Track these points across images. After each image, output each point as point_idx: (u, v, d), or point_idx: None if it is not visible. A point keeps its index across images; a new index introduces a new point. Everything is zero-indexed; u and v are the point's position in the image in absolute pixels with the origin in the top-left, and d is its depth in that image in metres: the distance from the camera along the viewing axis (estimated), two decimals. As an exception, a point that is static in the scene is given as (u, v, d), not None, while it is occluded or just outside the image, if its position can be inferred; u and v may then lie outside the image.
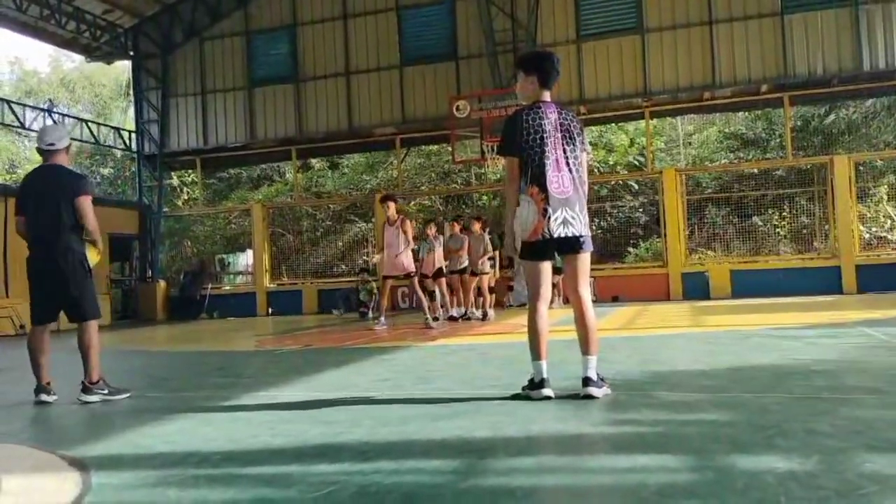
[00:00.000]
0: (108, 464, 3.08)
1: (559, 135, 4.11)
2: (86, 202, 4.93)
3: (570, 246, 4.09)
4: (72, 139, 5.31)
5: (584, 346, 4.04)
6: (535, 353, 4.04)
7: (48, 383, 4.91)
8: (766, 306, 11.90)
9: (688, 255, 17.25)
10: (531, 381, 4.07)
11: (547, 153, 4.06)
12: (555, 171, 4.07)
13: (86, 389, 4.85)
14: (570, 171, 4.10)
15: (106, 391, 4.89)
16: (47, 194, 4.93)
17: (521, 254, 4.16)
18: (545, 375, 4.01)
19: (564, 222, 4.04)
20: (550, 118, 4.12)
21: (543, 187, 4.04)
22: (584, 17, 17.35)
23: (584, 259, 4.15)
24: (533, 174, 4.06)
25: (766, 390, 4.13)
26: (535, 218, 4.05)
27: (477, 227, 12.43)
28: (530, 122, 4.10)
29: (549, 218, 4.02)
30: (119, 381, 5.21)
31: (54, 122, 19.02)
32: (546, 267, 4.15)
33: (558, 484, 2.56)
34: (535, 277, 4.14)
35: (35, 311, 5.03)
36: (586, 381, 3.97)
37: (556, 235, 4.03)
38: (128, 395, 4.95)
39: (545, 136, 4.08)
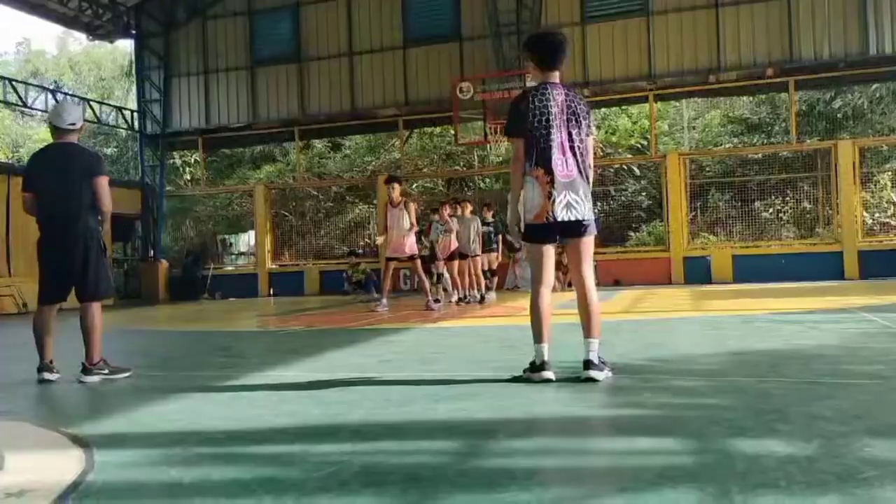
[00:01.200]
0: (110, 442, 3.09)
1: (564, 117, 4.07)
2: (104, 182, 4.92)
3: (574, 230, 4.08)
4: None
5: (587, 329, 4.04)
6: (537, 336, 4.05)
7: (51, 361, 4.91)
8: (768, 291, 11.90)
9: (690, 239, 17.23)
10: (532, 363, 4.08)
11: (552, 135, 4.03)
12: (559, 154, 4.04)
13: (86, 371, 4.84)
14: (574, 154, 4.06)
15: (106, 371, 4.88)
16: (65, 173, 4.89)
17: (524, 236, 4.16)
18: (546, 358, 4.01)
19: (568, 206, 4.02)
20: (557, 100, 4.07)
21: (549, 170, 4.01)
22: (590, -1, 17.21)
23: (588, 243, 4.14)
24: (538, 156, 4.04)
25: (767, 375, 4.13)
26: (540, 200, 4.03)
27: (468, 210, 12.48)
28: (536, 104, 4.06)
29: (554, 201, 4.00)
30: (121, 360, 5.22)
31: (56, 101, 18.94)
32: (549, 250, 4.14)
33: (559, 465, 2.57)
34: (538, 260, 4.14)
35: (46, 289, 5.00)
36: (588, 364, 3.97)
37: (559, 219, 4.01)
38: (128, 373, 4.95)
39: (551, 117, 4.04)
